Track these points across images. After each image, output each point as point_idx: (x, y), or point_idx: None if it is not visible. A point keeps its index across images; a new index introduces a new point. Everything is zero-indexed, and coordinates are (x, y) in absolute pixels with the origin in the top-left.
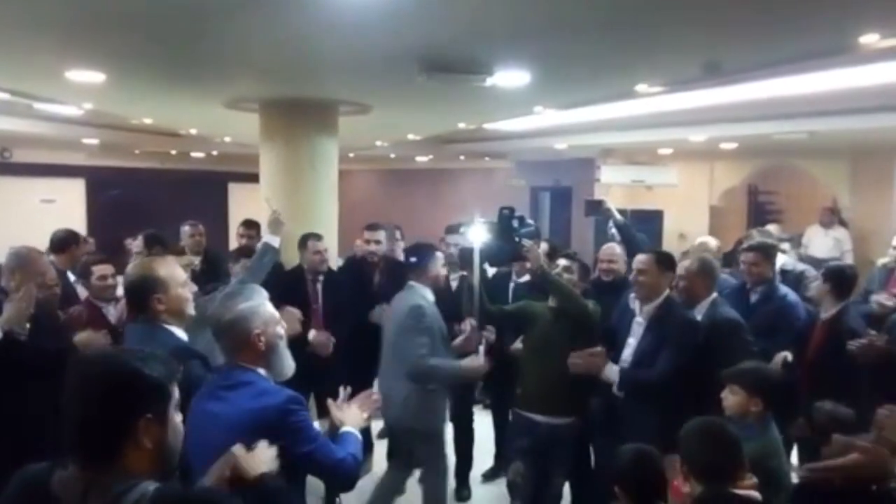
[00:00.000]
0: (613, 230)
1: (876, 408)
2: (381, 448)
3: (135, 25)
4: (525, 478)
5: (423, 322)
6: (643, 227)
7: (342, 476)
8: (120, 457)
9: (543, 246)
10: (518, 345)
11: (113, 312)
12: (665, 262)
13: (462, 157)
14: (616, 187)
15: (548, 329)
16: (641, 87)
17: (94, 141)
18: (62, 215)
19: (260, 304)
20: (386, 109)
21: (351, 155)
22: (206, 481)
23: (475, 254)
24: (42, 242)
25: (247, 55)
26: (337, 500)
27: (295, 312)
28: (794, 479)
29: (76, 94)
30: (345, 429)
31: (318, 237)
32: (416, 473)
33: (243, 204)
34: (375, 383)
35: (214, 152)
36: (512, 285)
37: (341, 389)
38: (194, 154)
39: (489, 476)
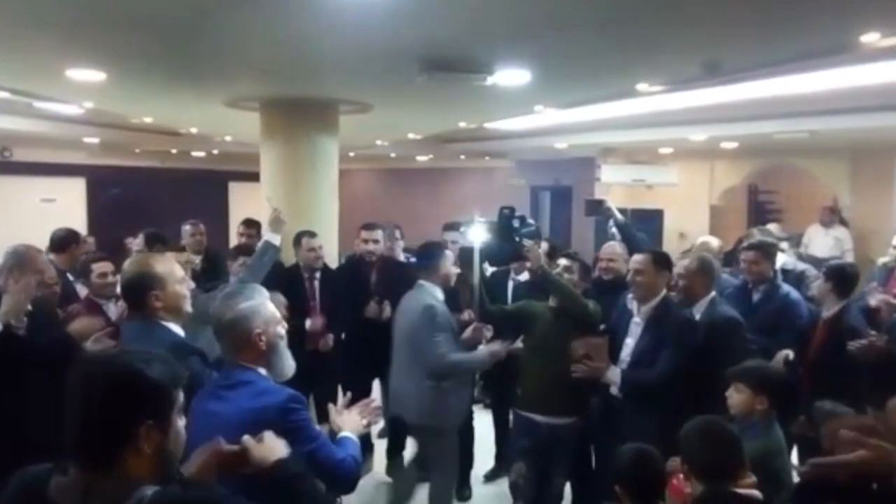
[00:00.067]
0: (614, 230)
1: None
2: (381, 448)
3: (136, 24)
4: (527, 479)
5: (437, 320)
6: (643, 226)
7: (342, 477)
8: (120, 461)
9: (544, 246)
10: (518, 344)
11: (113, 310)
12: (662, 261)
13: (462, 157)
14: (616, 186)
15: (548, 329)
16: (642, 87)
17: (95, 140)
18: (63, 214)
19: (261, 303)
20: (386, 109)
21: (351, 154)
22: (187, 470)
23: (475, 253)
24: (42, 242)
25: (247, 54)
26: (337, 501)
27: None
28: (795, 477)
29: (77, 93)
30: (343, 434)
31: (312, 234)
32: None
33: (244, 203)
34: (375, 386)
35: (215, 151)
36: (511, 283)
37: (340, 395)
38: (195, 153)
39: (490, 476)
